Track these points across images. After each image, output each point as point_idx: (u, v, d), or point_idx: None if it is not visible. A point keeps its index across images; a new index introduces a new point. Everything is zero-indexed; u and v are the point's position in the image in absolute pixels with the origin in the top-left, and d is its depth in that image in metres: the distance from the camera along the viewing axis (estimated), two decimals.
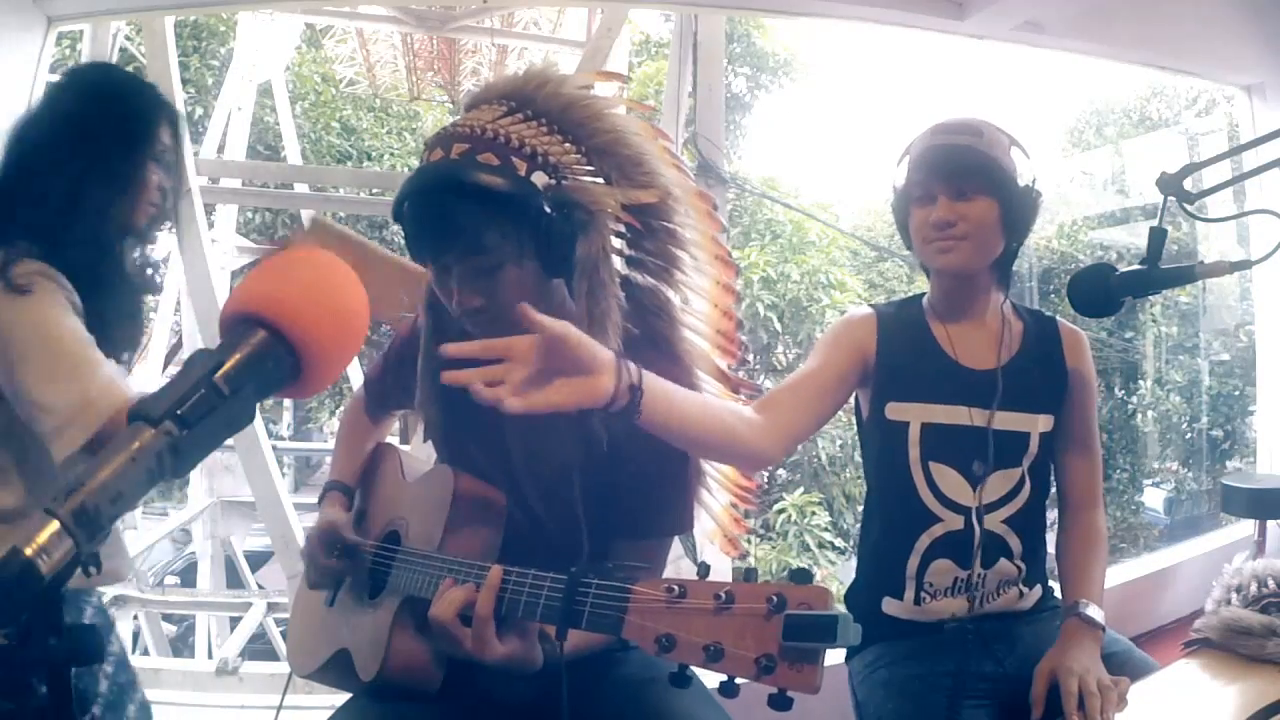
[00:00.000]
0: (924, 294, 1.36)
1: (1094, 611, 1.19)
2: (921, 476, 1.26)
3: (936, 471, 1.25)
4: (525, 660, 0.94)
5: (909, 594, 1.27)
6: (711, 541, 1.23)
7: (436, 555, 1.01)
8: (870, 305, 1.35)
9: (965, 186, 1.21)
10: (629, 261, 1.09)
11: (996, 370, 1.26)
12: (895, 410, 1.27)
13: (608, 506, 1.07)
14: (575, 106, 1.03)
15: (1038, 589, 1.31)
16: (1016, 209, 1.22)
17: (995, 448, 1.23)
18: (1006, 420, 1.25)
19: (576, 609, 0.80)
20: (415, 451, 1.36)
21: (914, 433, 1.25)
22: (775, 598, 0.68)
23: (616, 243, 1.06)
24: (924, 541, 1.25)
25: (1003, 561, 1.26)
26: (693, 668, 0.73)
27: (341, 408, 6.83)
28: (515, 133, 0.99)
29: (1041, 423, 1.27)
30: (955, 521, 1.25)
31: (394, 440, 1.38)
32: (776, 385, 1.27)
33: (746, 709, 0.79)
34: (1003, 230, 1.22)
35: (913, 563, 1.26)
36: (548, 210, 0.97)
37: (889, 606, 1.28)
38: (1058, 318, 1.34)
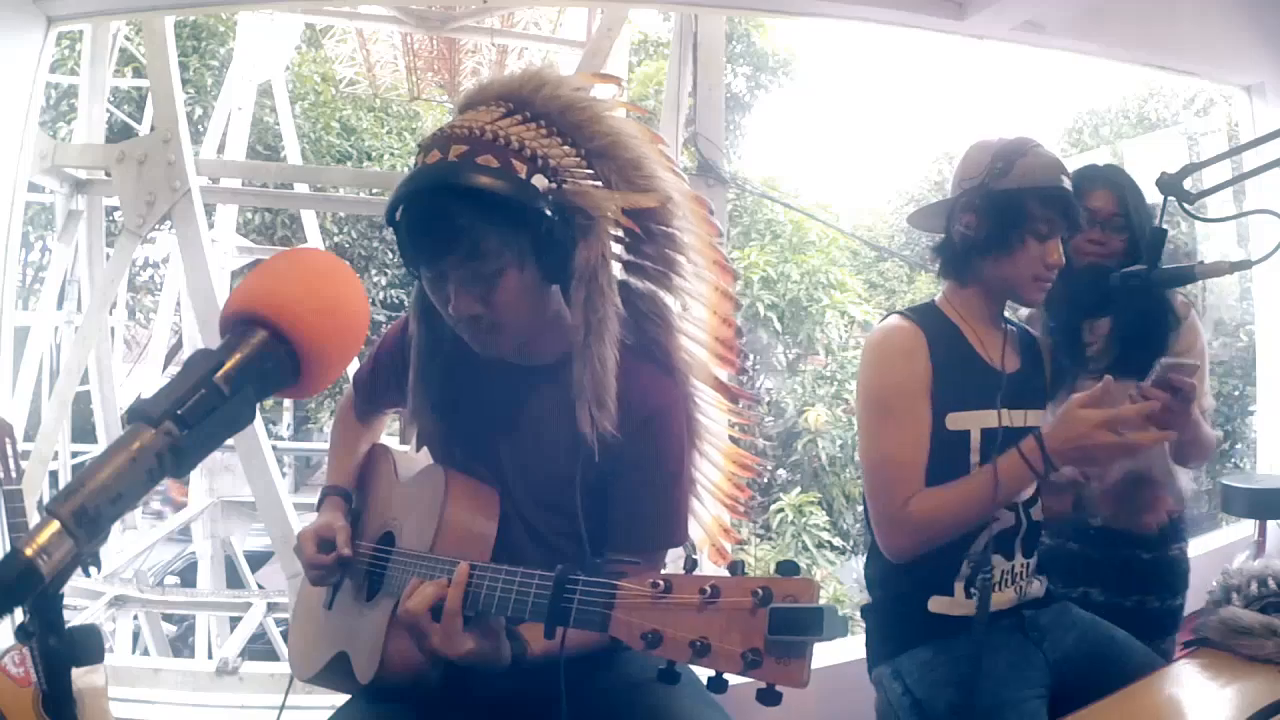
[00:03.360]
0: (933, 299, 1.40)
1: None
2: None
3: None
4: (493, 657, 0.94)
5: (959, 590, 1.29)
6: (700, 550, 1.22)
7: (430, 556, 1.01)
8: (905, 317, 1.34)
9: (1065, 235, 1.30)
10: (627, 267, 1.08)
11: (1031, 373, 1.37)
12: (955, 420, 1.29)
13: (600, 520, 1.06)
14: (574, 108, 1.01)
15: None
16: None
17: None
18: (1038, 419, 1.34)
19: (564, 606, 0.80)
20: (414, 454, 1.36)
21: (975, 440, 1.29)
22: (760, 591, 0.67)
23: (615, 247, 1.04)
24: (982, 539, 1.27)
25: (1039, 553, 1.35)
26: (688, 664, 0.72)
27: None
28: (515, 134, 0.96)
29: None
30: (1008, 518, 1.31)
31: (393, 439, 1.37)
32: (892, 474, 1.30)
33: (750, 708, 0.79)
34: None
35: (968, 561, 1.28)
36: (548, 214, 0.95)
37: (936, 605, 1.30)
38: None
